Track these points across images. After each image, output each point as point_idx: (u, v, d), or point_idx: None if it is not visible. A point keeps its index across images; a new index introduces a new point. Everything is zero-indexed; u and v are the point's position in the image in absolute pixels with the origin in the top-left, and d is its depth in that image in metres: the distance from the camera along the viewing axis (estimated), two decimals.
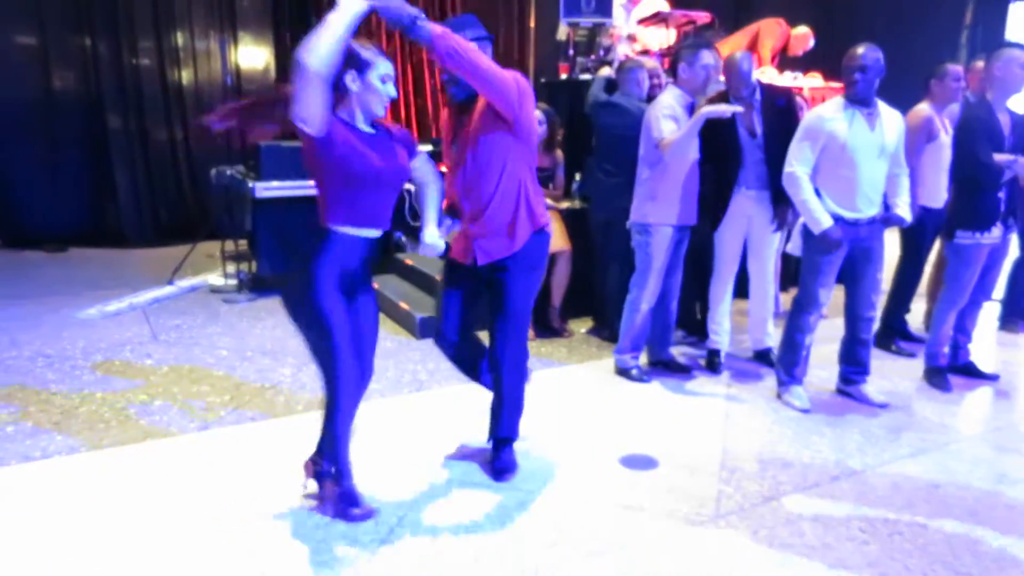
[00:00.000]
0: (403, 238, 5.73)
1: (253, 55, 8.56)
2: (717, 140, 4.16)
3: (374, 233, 2.72)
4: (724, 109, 3.79)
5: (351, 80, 2.55)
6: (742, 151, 4.23)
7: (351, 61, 2.54)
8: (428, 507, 2.97)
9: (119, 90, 7.75)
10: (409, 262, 5.89)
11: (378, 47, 2.62)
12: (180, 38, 8.07)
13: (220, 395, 4.04)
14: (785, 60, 6.98)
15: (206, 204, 7.66)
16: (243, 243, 6.36)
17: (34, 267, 6.86)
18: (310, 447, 2.95)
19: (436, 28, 2.62)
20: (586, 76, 5.64)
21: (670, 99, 4.08)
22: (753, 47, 6.68)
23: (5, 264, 6.98)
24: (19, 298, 5.80)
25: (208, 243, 6.71)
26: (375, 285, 5.69)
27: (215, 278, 6.20)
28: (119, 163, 7.82)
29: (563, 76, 6.10)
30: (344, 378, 2.67)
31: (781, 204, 4.23)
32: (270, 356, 4.64)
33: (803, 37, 6.88)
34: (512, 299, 3.04)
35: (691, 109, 4.09)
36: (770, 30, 6.82)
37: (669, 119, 3.99)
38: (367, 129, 2.65)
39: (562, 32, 6.21)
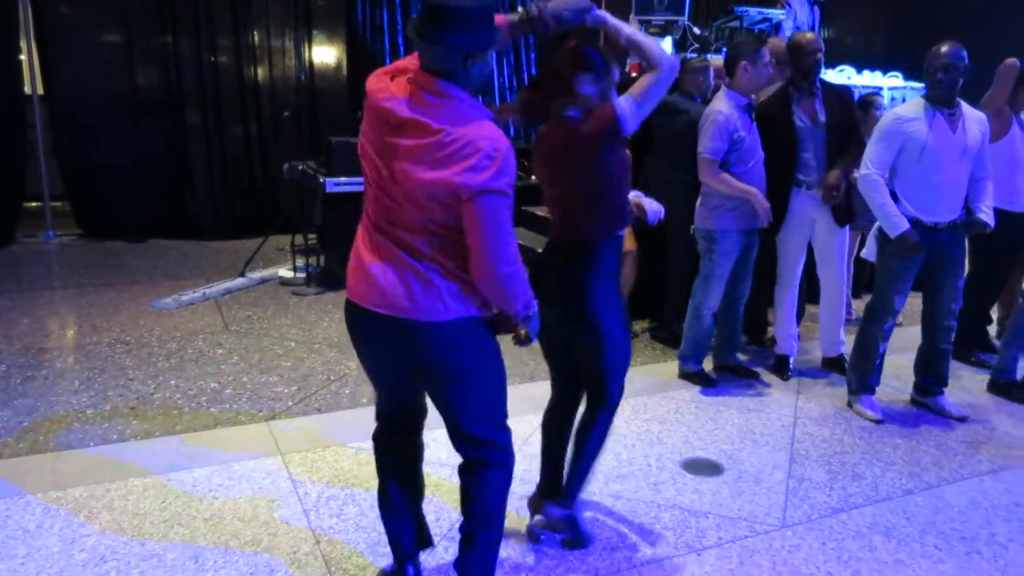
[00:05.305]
0: None
1: (327, 53, 8.74)
2: (775, 135, 4.08)
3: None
4: (763, 214, 3.92)
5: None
6: (801, 147, 4.12)
7: (597, 66, 2.48)
8: None
9: (198, 87, 8.00)
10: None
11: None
12: (257, 36, 8.27)
13: (288, 386, 4.13)
14: (865, 60, 6.76)
15: (278, 198, 7.84)
16: (313, 237, 6.49)
17: (115, 256, 7.13)
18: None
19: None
20: None
21: (726, 107, 3.94)
22: None
23: (88, 253, 7.27)
24: (101, 286, 6.04)
25: (279, 236, 6.87)
26: None
27: (285, 271, 6.33)
28: (196, 157, 8.06)
29: (634, 74, 6.04)
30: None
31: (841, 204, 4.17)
32: (337, 349, 4.72)
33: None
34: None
35: (748, 110, 3.99)
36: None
37: (717, 136, 3.90)
38: None
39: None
